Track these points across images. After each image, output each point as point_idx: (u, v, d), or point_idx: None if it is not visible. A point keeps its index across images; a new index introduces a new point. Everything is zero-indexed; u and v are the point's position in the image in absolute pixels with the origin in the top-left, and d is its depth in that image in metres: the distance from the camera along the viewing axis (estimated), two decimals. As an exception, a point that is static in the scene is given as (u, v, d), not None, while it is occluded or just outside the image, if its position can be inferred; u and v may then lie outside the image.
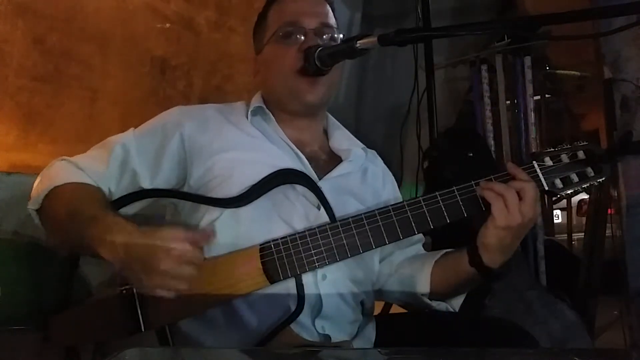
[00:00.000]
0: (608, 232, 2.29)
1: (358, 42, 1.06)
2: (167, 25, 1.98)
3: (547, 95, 3.93)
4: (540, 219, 2.43)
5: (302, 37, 1.15)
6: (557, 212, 5.78)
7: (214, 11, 2.09)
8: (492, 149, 2.54)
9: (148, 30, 1.93)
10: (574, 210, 4.87)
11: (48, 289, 1.24)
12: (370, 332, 1.18)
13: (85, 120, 1.78)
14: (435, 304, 1.21)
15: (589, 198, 2.48)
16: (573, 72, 3.65)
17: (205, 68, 2.12)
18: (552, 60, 3.61)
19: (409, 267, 1.22)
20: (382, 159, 1.35)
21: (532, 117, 2.45)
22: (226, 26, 2.13)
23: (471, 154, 2.12)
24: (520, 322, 1.16)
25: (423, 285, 1.18)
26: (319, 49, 1.10)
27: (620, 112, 2.02)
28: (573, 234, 4.33)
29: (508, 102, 2.70)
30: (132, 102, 1.89)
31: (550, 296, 2.05)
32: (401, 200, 1.30)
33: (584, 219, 3.34)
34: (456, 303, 1.20)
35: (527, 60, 2.45)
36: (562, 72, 3.66)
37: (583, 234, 2.59)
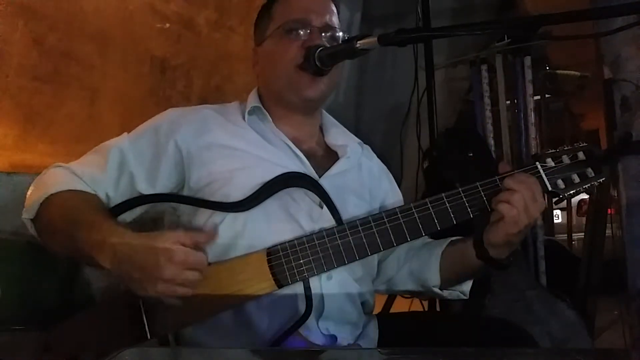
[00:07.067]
0: (608, 232, 2.30)
1: (358, 42, 1.05)
2: (167, 25, 1.98)
3: (547, 95, 3.93)
4: (540, 218, 2.42)
5: (307, 34, 1.14)
6: (557, 212, 5.79)
7: (214, 11, 2.09)
8: (492, 149, 2.54)
9: (148, 30, 1.93)
10: (574, 210, 4.88)
11: (48, 289, 1.24)
12: (373, 331, 1.18)
13: (85, 120, 1.78)
14: (447, 294, 1.21)
15: (589, 198, 2.48)
16: (573, 72, 3.65)
17: (205, 68, 2.12)
18: (552, 60, 3.62)
19: (417, 260, 1.22)
20: (382, 158, 1.35)
21: (532, 117, 2.45)
22: (226, 26, 2.13)
23: (471, 154, 2.13)
24: (520, 322, 1.17)
25: (433, 278, 1.18)
26: (319, 49, 1.10)
27: (620, 112, 2.02)
28: (573, 234, 4.35)
29: (508, 102, 2.70)
30: (132, 102, 1.89)
31: (550, 296, 2.05)
32: (399, 194, 1.30)
33: (584, 219, 3.34)
34: (466, 288, 1.20)
35: (527, 60, 2.45)
36: (562, 72, 3.66)
37: (583, 234, 2.59)
